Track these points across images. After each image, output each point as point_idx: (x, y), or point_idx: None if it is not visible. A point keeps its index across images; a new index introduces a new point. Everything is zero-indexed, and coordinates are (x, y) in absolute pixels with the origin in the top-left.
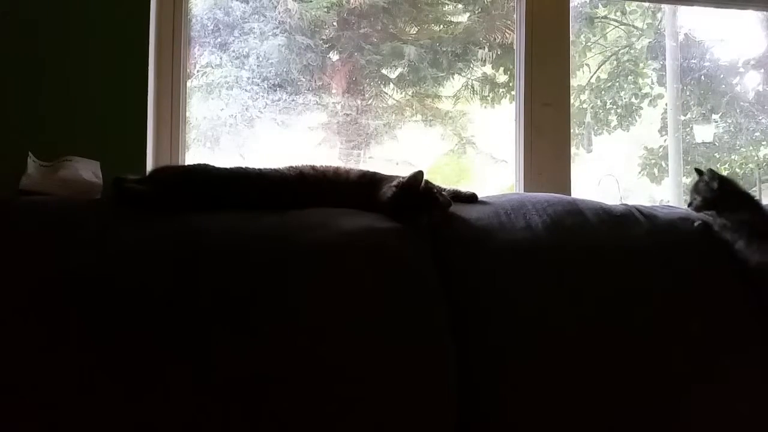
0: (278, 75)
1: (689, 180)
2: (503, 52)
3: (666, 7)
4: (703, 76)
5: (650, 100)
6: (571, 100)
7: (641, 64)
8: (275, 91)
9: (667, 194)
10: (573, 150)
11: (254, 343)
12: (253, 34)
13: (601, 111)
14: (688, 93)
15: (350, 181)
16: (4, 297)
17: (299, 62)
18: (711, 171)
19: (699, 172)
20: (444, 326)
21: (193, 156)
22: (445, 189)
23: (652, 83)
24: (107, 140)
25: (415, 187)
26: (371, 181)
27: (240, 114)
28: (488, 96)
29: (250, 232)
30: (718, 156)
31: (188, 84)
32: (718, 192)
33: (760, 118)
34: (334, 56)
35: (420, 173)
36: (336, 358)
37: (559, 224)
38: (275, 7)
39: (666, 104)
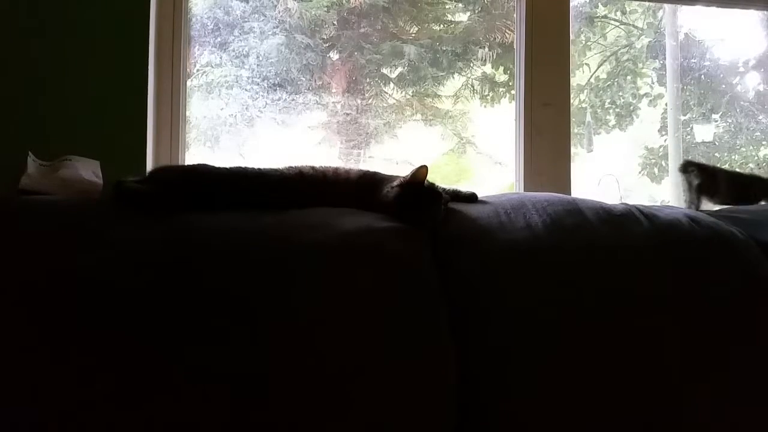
0: (278, 74)
1: None
2: (503, 52)
3: (666, 7)
4: (703, 76)
5: (650, 100)
6: (571, 100)
7: (641, 64)
8: (275, 90)
9: (667, 194)
10: (573, 149)
11: (254, 342)
12: (253, 34)
13: (600, 110)
14: (688, 93)
15: (350, 181)
16: (3, 297)
17: (299, 61)
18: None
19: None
20: (444, 326)
21: (193, 156)
22: (445, 189)
23: (652, 83)
24: (107, 140)
25: (421, 182)
26: (371, 181)
27: (240, 113)
28: (488, 96)
29: (250, 232)
30: (718, 156)
31: (188, 83)
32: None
33: (760, 117)
34: (334, 55)
35: (425, 167)
36: (335, 358)
37: (559, 224)
38: (275, 7)
39: (666, 104)
